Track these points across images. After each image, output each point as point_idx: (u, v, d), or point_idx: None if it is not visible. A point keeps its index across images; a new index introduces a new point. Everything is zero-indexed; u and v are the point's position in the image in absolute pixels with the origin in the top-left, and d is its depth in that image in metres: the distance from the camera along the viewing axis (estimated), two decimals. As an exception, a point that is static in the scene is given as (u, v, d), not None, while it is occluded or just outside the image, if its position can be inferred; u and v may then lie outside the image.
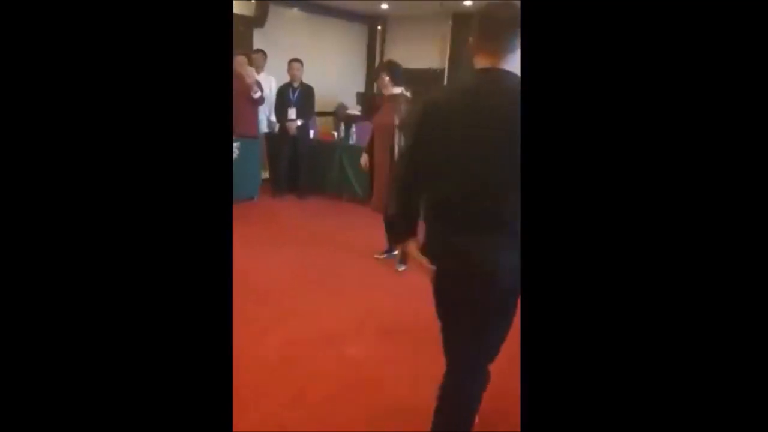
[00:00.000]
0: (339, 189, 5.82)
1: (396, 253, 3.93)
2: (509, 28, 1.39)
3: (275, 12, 6.67)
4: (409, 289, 3.44)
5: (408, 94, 3.62)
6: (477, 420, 1.82)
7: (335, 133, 6.32)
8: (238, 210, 4.88)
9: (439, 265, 1.60)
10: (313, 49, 7.06)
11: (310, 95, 5.76)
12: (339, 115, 7.14)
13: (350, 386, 2.25)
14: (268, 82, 5.85)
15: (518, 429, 1.00)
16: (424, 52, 7.66)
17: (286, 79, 5.70)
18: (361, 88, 8.21)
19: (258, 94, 5.31)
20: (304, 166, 5.80)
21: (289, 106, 5.64)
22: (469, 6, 6.64)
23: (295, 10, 7.12)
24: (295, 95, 5.66)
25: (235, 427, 1.05)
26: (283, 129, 5.71)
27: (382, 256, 4.00)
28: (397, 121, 3.49)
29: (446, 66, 7.62)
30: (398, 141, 3.50)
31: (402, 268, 3.76)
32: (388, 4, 7.07)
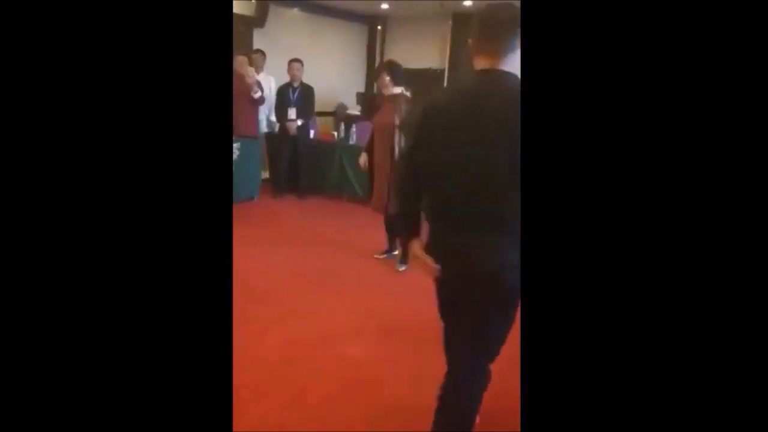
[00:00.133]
0: (339, 189, 5.82)
1: (396, 253, 3.93)
2: (508, 29, 1.40)
3: (275, 12, 6.67)
4: (409, 289, 3.44)
5: (408, 94, 3.62)
6: (478, 420, 1.82)
7: (335, 133, 6.33)
8: (238, 210, 4.88)
9: (441, 265, 1.60)
10: (313, 49, 7.06)
11: (310, 95, 5.76)
12: (339, 115, 7.14)
13: (350, 386, 2.25)
14: (267, 82, 5.85)
15: (518, 429, 1.00)
16: (424, 52, 7.67)
17: (286, 79, 5.70)
18: (361, 88, 8.21)
19: (258, 94, 5.32)
20: (304, 166, 5.81)
21: (289, 106, 5.64)
22: (469, 6, 6.64)
23: (295, 10, 7.12)
24: (295, 95, 5.66)
25: (235, 427, 1.05)
26: (283, 129, 5.71)
27: (382, 256, 4.00)
28: (397, 121, 3.49)
29: (446, 66, 7.62)
30: (398, 141, 3.50)
31: (402, 268, 3.76)
32: (389, 4, 7.07)
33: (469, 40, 1.48)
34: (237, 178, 4.79)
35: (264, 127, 5.99)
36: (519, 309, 1.34)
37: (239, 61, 5.28)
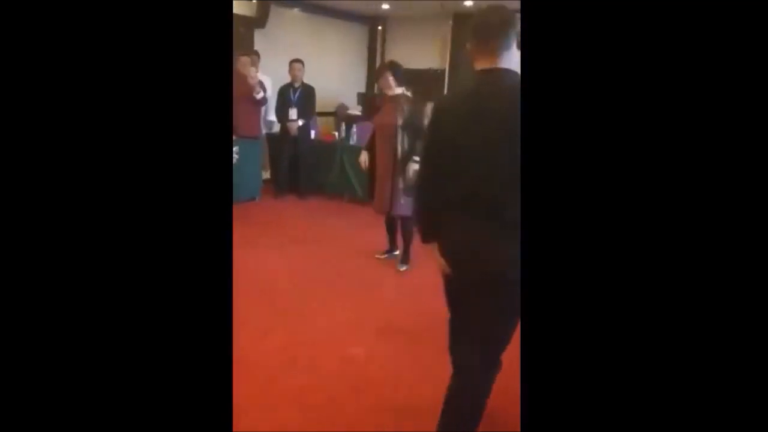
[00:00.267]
0: (340, 189, 5.82)
1: (397, 253, 3.93)
2: (501, 29, 1.52)
3: (276, 12, 6.67)
4: (410, 289, 3.44)
5: (409, 94, 3.61)
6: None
7: (336, 134, 6.32)
8: (239, 210, 4.88)
9: (449, 261, 1.68)
10: (314, 49, 7.05)
11: (311, 95, 5.76)
12: (340, 115, 7.13)
13: (351, 386, 2.25)
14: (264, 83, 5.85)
15: (518, 429, 1.00)
16: (424, 52, 7.66)
17: (287, 79, 5.70)
18: (362, 89, 8.21)
19: (260, 95, 5.33)
20: (305, 166, 5.81)
21: (290, 106, 5.64)
22: (470, 6, 6.64)
23: (295, 11, 7.12)
24: (296, 95, 5.66)
25: (235, 427, 1.05)
26: (285, 129, 5.72)
27: (383, 257, 4.00)
28: (400, 122, 3.48)
29: (447, 67, 7.62)
30: (401, 141, 3.49)
31: (403, 268, 3.76)
32: (389, 5, 7.07)
33: (467, 45, 1.59)
34: (238, 179, 4.81)
35: (262, 128, 5.99)
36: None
37: (242, 62, 5.29)
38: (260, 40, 6.51)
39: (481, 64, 1.56)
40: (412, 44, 7.85)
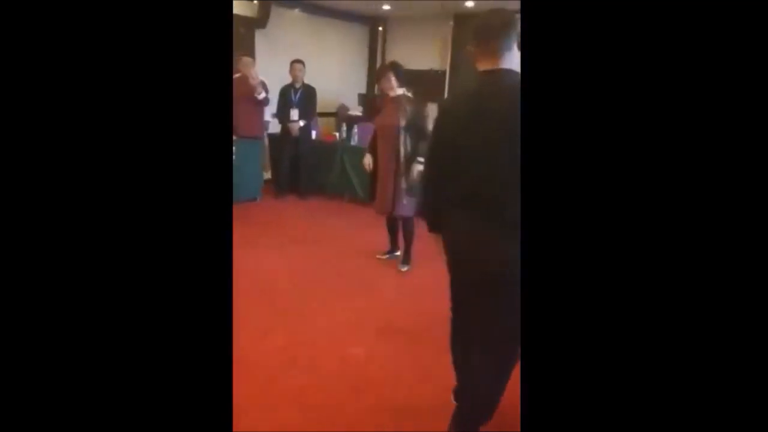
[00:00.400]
0: (340, 189, 5.82)
1: (398, 253, 3.93)
2: (501, 31, 1.56)
3: (277, 13, 6.67)
4: (411, 289, 3.44)
5: (410, 95, 3.61)
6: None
7: (337, 134, 6.32)
8: (241, 210, 4.89)
9: (455, 257, 1.73)
10: (315, 49, 7.06)
11: (312, 96, 5.77)
12: (341, 115, 7.14)
13: (351, 386, 2.25)
14: None
15: (518, 429, 1.00)
16: (425, 53, 7.66)
17: (288, 79, 5.71)
18: (363, 89, 8.21)
19: (262, 95, 5.34)
20: (305, 166, 5.81)
21: (292, 106, 5.65)
22: (471, 7, 6.64)
23: (296, 11, 7.12)
24: (297, 96, 5.67)
25: (235, 427, 1.06)
26: (286, 130, 5.72)
27: (384, 257, 4.00)
28: (403, 122, 3.48)
29: (447, 67, 7.62)
30: (404, 142, 3.49)
31: (405, 268, 3.76)
32: (390, 5, 7.06)
33: (469, 47, 1.65)
34: (239, 179, 4.81)
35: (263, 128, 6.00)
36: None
37: (244, 62, 5.30)
38: (261, 41, 6.51)
39: (483, 65, 1.61)
40: (412, 45, 7.85)
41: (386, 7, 7.14)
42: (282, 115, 5.73)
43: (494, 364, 1.73)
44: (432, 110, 3.79)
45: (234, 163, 4.97)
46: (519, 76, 1.50)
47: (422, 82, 6.25)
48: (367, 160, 3.80)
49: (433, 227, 1.82)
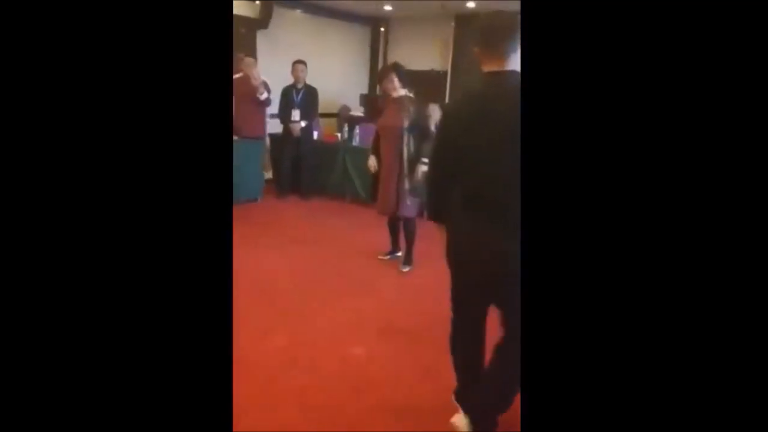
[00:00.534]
0: (342, 190, 5.82)
1: (399, 254, 3.93)
2: (506, 33, 1.58)
3: (278, 13, 6.68)
4: (413, 290, 3.44)
5: (411, 95, 3.61)
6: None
7: (339, 135, 6.33)
8: (242, 211, 4.89)
9: (457, 257, 1.75)
10: (317, 50, 7.06)
11: (313, 96, 5.78)
12: (342, 116, 7.14)
13: (352, 386, 2.25)
14: None
15: (518, 429, 0.99)
16: (426, 53, 7.66)
17: (290, 80, 5.72)
18: (365, 90, 8.21)
19: (264, 96, 5.34)
20: (307, 167, 5.82)
21: (293, 107, 5.65)
22: (472, 7, 6.63)
23: (298, 12, 7.13)
24: (299, 97, 5.68)
25: (235, 427, 1.06)
26: (287, 130, 5.73)
27: (386, 257, 3.99)
28: (406, 123, 3.48)
29: (449, 68, 7.61)
30: (407, 142, 3.49)
31: (406, 269, 3.76)
32: (391, 6, 7.07)
33: (475, 48, 1.66)
34: (240, 180, 4.81)
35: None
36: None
37: (246, 63, 5.30)
38: (263, 41, 6.52)
39: (488, 67, 1.62)
40: (414, 45, 7.85)
41: (388, 7, 7.14)
42: (284, 115, 5.73)
43: (497, 365, 1.73)
44: (433, 111, 3.80)
45: (235, 163, 4.98)
46: None
47: (423, 83, 6.25)
48: (372, 162, 3.79)
49: (435, 216, 1.84)
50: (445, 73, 7.62)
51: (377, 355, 2.54)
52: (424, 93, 4.10)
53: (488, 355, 1.83)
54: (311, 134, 5.84)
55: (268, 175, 6.12)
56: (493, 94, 1.60)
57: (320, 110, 6.08)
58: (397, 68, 3.61)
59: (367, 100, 7.66)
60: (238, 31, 6.09)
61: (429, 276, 3.59)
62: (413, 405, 2.13)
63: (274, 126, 5.97)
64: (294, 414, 2.04)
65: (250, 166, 5.35)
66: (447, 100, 7.13)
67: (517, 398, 1.06)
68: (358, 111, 7.38)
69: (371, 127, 4.50)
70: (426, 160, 3.28)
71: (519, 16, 1.54)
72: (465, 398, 1.88)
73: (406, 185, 3.52)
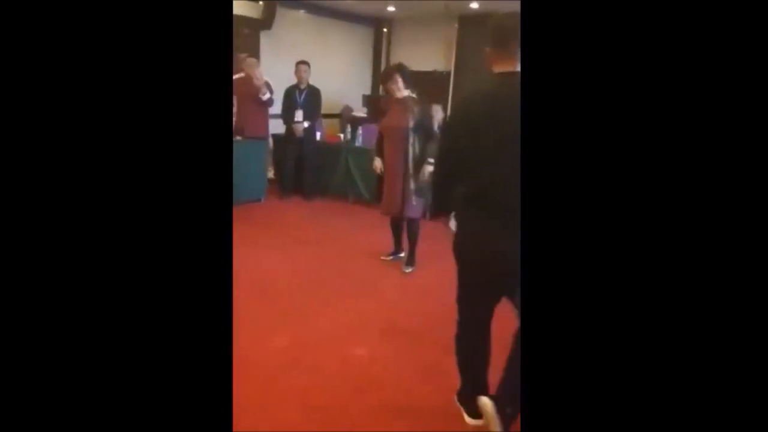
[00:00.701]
0: (345, 190, 5.83)
1: (402, 255, 3.93)
2: (517, 34, 1.57)
3: (282, 14, 6.69)
4: (415, 290, 3.44)
5: (415, 96, 3.61)
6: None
7: (341, 135, 6.33)
8: (245, 211, 4.90)
9: (463, 257, 1.76)
10: (320, 50, 7.08)
11: (316, 97, 5.78)
12: (345, 116, 7.15)
13: (354, 387, 2.25)
14: None
15: (518, 428, 0.99)
16: (430, 54, 7.66)
17: (293, 80, 5.72)
18: (367, 91, 8.22)
19: (267, 96, 5.35)
20: (310, 167, 5.82)
21: (296, 107, 5.66)
22: (476, 8, 6.63)
23: (301, 12, 7.14)
24: (302, 97, 5.68)
25: (235, 427, 1.06)
26: (290, 131, 5.74)
27: (388, 258, 3.99)
28: (411, 124, 3.47)
29: (452, 68, 7.61)
30: (412, 143, 3.49)
31: (409, 269, 3.76)
32: (394, 6, 7.07)
33: (486, 49, 1.68)
34: (243, 180, 4.82)
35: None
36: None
37: (249, 63, 5.31)
38: (266, 42, 6.54)
39: (498, 67, 1.64)
40: (417, 46, 7.86)
41: (391, 8, 7.15)
42: (287, 116, 5.74)
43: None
44: (436, 111, 3.80)
45: (237, 163, 4.99)
46: None
47: (426, 83, 6.25)
48: (378, 164, 3.78)
49: (438, 213, 1.87)
50: (449, 73, 7.62)
51: (379, 356, 2.54)
52: (427, 94, 4.09)
53: (494, 353, 1.84)
54: (314, 135, 5.85)
55: (269, 174, 6.13)
56: (504, 94, 1.60)
57: (323, 111, 6.09)
58: (401, 69, 3.61)
59: (369, 101, 7.67)
60: (241, 31, 6.10)
61: (431, 277, 3.58)
62: (415, 405, 2.13)
63: (276, 126, 5.98)
64: (296, 414, 2.04)
65: (253, 167, 5.35)
66: (450, 100, 7.14)
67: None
68: (360, 111, 7.39)
69: (374, 128, 4.50)
70: (432, 160, 3.28)
71: None
72: (468, 399, 1.87)
73: (412, 186, 3.52)
